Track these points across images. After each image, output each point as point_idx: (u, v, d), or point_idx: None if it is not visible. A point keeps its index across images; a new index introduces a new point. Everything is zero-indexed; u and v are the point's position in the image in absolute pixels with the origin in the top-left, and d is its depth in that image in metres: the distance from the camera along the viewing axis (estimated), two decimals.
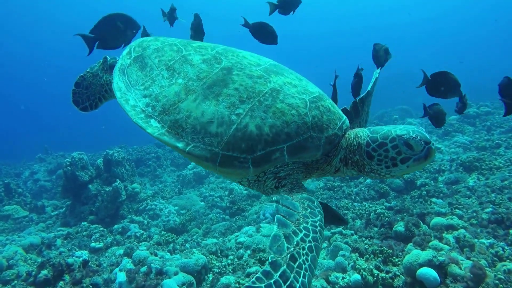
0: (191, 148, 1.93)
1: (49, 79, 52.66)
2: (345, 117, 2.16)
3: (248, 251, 5.41)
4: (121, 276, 4.55)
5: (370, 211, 5.98)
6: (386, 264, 4.10)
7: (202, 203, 9.33)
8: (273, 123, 1.90)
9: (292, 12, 4.94)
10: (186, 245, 6.19)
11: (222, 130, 1.90)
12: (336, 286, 3.86)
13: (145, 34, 4.14)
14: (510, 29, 50.64)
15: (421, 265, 3.53)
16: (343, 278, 3.92)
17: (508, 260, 3.85)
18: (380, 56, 4.03)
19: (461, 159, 7.93)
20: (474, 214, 5.24)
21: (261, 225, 6.65)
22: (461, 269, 3.45)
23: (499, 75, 3.97)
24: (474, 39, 53.49)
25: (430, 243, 4.26)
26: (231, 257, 5.34)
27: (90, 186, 8.66)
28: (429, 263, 3.52)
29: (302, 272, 1.51)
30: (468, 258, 3.85)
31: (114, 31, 3.60)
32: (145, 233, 7.11)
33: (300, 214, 1.74)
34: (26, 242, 6.40)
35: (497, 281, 3.32)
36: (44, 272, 4.60)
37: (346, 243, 4.78)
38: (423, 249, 4.05)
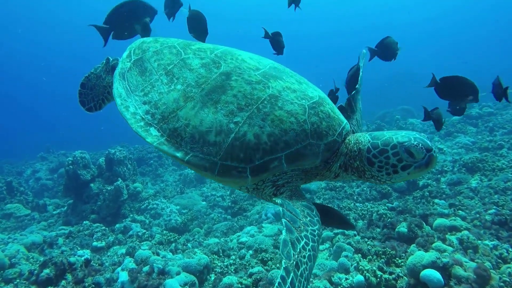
0: (190, 157, 1.93)
1: (51, 78, 52.79)
2: (345, 121, 2.14)
3: (250, 251, 5.41)
4: (123, 276, 4.55)
5: (373, 212, 5.96)
6: (389, 265, 4.09)
7: (204, 202, 9.33)
8: (271, 132, 1.89)
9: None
10: (188, 244, 6.18)
11: (221, 139, 1.90)
12: (339, 287, 3.85)
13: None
14: (511, 29, 50.55)
15: (425, 267, 3.52)
16: (346, 279, 3.91)
17: None
18: (392, 49, 4.11)
19: (463, 160, 7.91)
20: (477, 215, 5.22)
21: (263, 225, 6.64)
22: (465, 271, 3.43)
23: (500, 75, 3.97)
24: (474, 39, 53.45)
25: (433, 245, 4.24)
26: (233, 257, 5.33)
27: (92, 185, 8.66)
28: (433, 265, 3.51)
29: (302, 281, 1.56)
30: (472, 260, 3.83)
31: (128, 20, 3.54)
32: (147, 232, 7.11)
33: (301, 221, 1.77)
34: (28, 240, 6.41)
35: (502, 284, 3.30)
36: (47, 271, 4.60)
37: (349, 243, 4.77)
38: (426, 251, 4.03)
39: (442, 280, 3.36)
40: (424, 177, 7.43)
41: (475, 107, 12.97)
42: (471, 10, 53.23)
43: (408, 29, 49.80)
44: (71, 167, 8.64)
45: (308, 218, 1.81)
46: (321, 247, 5.14)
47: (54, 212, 9.31)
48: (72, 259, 4.81)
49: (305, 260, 1.61)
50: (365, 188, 7.54)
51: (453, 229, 4.69)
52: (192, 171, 11.51)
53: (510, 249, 4.06)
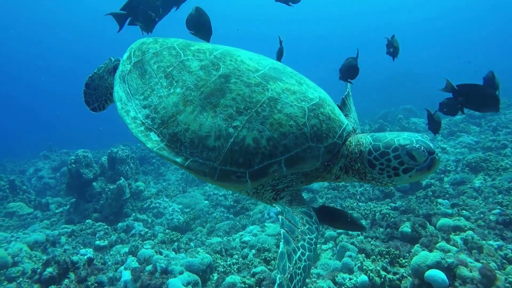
0: (190, 163, 1.94)
1: (51, 78, 52.93)
2: (346, 122, 2.11)
3: (253, 251, 5.40)
4: (126, 275, 4.55)
5: (376, 211, 5.94)
6: (393, 265, 4.07)
7: (206, 201, 9.33)
8: (270, 136, 1.88)
9: (290, 3, 4.87)
10: (191, 244, 6.18)
11: (220, 144, 1.90)
12: (343, 287, 3.84)
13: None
14: (511, 29, 50.38)
15: (429, 267, 3.49)
16: (350, 279, 3.89)
17: None
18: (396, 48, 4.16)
19: (467, 159, 7.87)
20: (482, 215, 5.19)
21: (265, 224, 6.63)
22: (470, 271, 3.41)
23: (500, 75, 3.94)
24: (475, 39, 53.27)
25: (437, 245, 4.22)
26: (236, 256, 5.33)
27: (94, 183, 8.67)
28: (437, 265, 3.48)
29: None
30: (477, 260, 3.80)
31: (146, 6, 3.56)
32: (149, 231, 7.11)
33: (299, 230, 1.78)
34: (31, 239, 6.42)
35: (508, 285, 3.28)
36: (49, 269, 4.60)
37: (353, 243, 4.75)
38: (430, 251, 4.01)
39: (447, 280, 3.33)
40: (427, 177, 7.40)
41: None
42: (472, 10, 53.11)
43: (408, 29, 49.75)
44: (73, 165, 8.65)
45: (307, 226, 1.82)
46: (324, 246, 5.12)
47: (57, 211, 9.33)
48: (75, 258, 4.80)
49: (299, 271, 1.64)
50: (368, 188, 7.52)
51: (457, 229, 4.66)
52: None
53: None
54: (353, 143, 2.03)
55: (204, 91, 2.04)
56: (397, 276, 3.74)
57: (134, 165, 9.81)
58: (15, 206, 9.39)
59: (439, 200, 6.13)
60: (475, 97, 3.73)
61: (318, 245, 5.09)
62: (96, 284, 4.54)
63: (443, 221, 4.90)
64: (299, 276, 1.63)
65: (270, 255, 4.96)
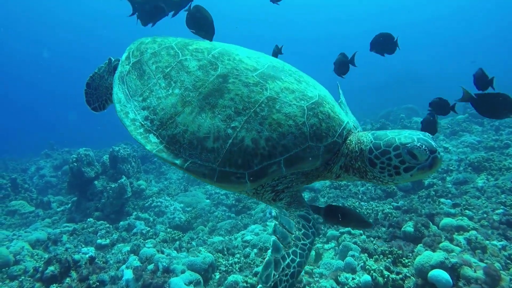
0: (189, 164, 1.92)
1: (51, 78, 53.05)
2: (346, 121, 2.08)
3: (255, 250, 5.38)
4: (128, 274, 4.55)
5: (378, 211, 5.92)
6: (396, 265, 4.05)
7: (208, 200, 9.31)
8: (269, 136, 1.85)
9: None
10: (193, 243, 6.17)
11: (218, 145, 1.88)
12: (346, 287, 3.82)
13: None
14: (511, 29, 50.27)
15: (433, 267, 3.47)
16: (353, 279, 3.87)
17: None
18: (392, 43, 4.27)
19: (469, 159, 7.84)
20: (485, 215, 5.16)
21: (267, 223, 6.62)
22: (474, 271, 3.39)
23: (500, 75, 3.92)
24: (478, 39, 53.14)
25: (441, 245, 4.20)
26: (237, 255, 5.31)
27: (96, 182, 8.67)
28: (441, 265, 3.46)
29: None
30: (481, 260, 3.78)
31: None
32: (151, 230, 7.10)
33: (293, 236, 1.76)
34: (33, 237, 6.42)
35: None
36: (51, 268, 4.59)
37: (355, 243, 4.73)
38: (433, 251, 3.98)
39: (450, 280, 3.31)
40: (429, 176, 7.37)
41: None
42: (472, 10, 52.98)
43: (408, 29, 49.63)
44: (75, 164, 8.64)
45: (303, 230, 1.80)
46: (326, 246, 5.10)
47: (58, 209, 9.33)
48: (76, 256, 4.80)
49: (286, 278, 1.64)
50: (370, 187, 7.49)
51: (461, 229, 4.64)
52: None
53: None
54: (354, 142, 2.01)
55: (202, 92, 2.02)
56: (400, 276, 3.72)
57: (135, 164, 9.80)
58: (17, 205, 9.40)
59: (442, 200, 6.11)
60: (494, 105, 3.64)
61: (320, 245, 5.08)
62: (98, 283, 4.53)
63: (446, 220, 4.88)
64: (285, 283, 1.63)
65: None
